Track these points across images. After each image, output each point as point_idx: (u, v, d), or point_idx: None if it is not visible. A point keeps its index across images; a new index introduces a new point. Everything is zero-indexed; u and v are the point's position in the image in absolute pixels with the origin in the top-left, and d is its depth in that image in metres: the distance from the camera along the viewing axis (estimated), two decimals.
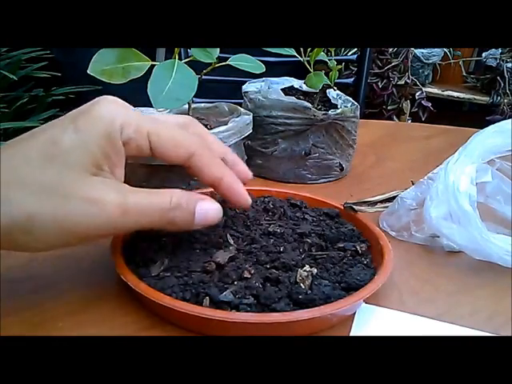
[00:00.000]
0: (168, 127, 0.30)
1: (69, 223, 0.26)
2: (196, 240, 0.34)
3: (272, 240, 0.35)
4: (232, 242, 0.33)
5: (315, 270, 0.31)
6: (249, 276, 0.30)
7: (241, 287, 0.29)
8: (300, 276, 0.30)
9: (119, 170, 0.29)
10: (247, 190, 0.44)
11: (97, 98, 0.29)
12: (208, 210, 0.30)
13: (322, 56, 0.53)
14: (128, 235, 0.35)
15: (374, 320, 0.31)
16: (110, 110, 0.28)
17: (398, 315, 0.32)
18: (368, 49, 1.08)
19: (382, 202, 0.45)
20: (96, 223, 0.26)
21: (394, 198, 0.44)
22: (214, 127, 0.48)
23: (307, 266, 0.31)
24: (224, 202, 0.39)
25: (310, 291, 0.29)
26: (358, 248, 0.35)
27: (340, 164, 0.56)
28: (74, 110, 0.29)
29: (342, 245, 0.35)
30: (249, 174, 0.36)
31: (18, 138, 0.28)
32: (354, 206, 0.41)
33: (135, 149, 0.29)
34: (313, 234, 0.36)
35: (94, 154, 0.27)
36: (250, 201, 0.33)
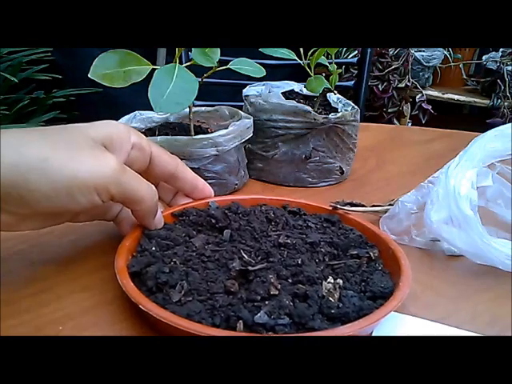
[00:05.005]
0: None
1: (79, 172, 0.29)
2: (208, 258, 0.33)
3: (285, 252, 0.34)
4: (246, 257, 0.32)
5: (341, 282, 0.30)
6: (276, 292, 0.29)
7: (273, 307, 0.28)
8: (325, 289, 0.29)
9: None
10: (242, 199, 0.42)
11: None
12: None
13: (323, 59, 0.53)
14: (131, 255, 0.33)
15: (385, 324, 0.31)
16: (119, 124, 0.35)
17: (410, 320, 0.32)
18: (368, 52, 1.08)
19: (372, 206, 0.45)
20: (101, 176, 0.30)
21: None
22: (215, 131, 0.48)
23: (330, 277, 0.31)
24: (226, 214, 0.37)
25: (340, 304, 0.28)
26: (371, 254, 0.34)
27: (340, 168, 0.56)
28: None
29: (354, 252, 0.35)
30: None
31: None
32: (338, 206, 0.41)
33: (139, 152, 0.36)
34: (322, 243, 0.35)
35: (104, 138, 0.32)
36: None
